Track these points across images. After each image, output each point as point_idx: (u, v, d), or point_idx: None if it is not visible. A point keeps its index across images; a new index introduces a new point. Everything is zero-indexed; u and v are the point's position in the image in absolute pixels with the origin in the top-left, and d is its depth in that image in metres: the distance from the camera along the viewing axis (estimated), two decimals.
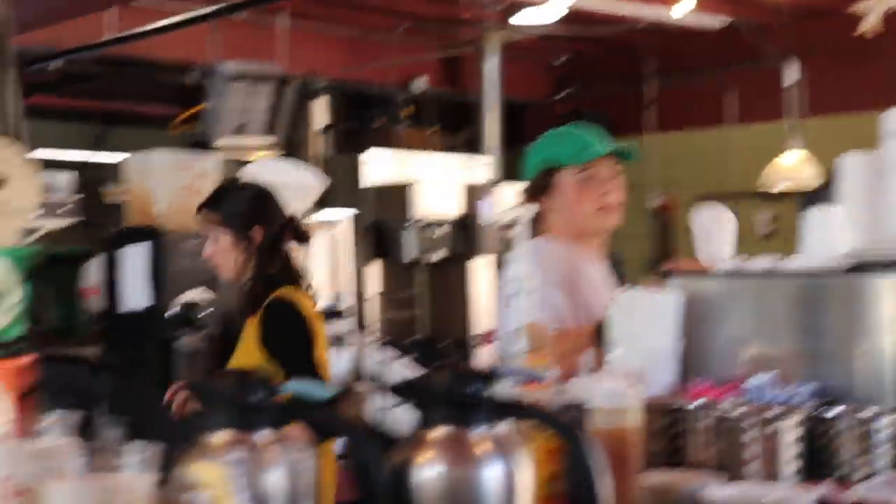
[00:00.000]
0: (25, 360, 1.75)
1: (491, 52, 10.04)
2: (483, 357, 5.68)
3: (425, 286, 5.84)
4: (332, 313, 4.95)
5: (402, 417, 4.39)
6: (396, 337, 5.46)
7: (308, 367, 3.60)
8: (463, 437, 1.79)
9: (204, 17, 7.13)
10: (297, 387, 1.70)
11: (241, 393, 1.67)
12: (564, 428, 1.89)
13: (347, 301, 4.91)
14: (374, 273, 5.73)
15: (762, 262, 2.98)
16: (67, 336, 3.85)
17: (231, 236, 3.82)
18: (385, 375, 5.08)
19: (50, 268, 1.65)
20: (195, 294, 4.59)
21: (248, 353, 3.74)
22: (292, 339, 3.74)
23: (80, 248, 3.79)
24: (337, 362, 4.89)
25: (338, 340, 4.96)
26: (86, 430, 1.71)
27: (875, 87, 9.17)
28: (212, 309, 4.64)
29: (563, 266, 3.42)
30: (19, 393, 1.71)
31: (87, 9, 7.21)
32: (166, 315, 4.46)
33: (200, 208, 3.87)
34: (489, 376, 1.83)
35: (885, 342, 2.64)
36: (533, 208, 2.61)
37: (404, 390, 1.79)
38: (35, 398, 1.76)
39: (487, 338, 5.68)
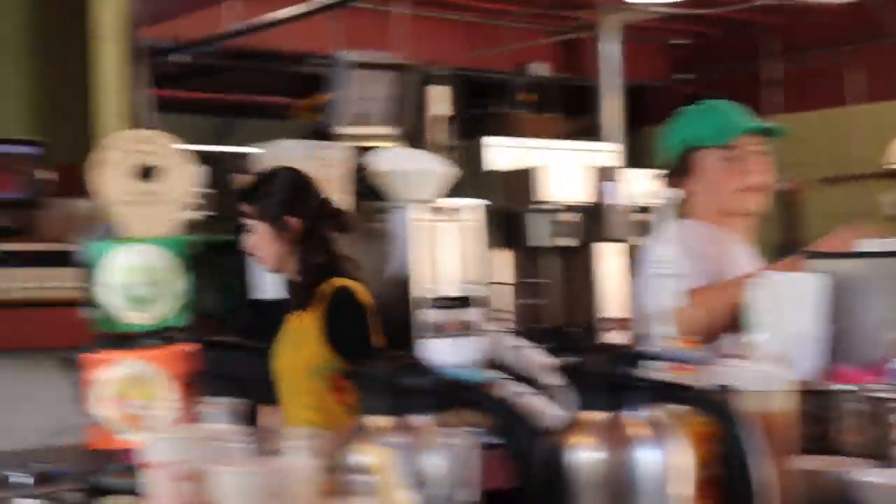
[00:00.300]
0: (188, 347, 1.79)
1: (609, 35, 9.98)
2: (613, 343, 5.66)
3: (554, 273, 5.83)
4: (460, 301, 4.97)
5: (533, 405, 4.39)
6: (525, 324, 5.46)
7: (372, 357, 3.63)
8: (619, 421, 1.80)
9: (324, 7, 7.20)
10: (452, 371, 1.71)
11: (401, 377, 1.69)
12: (722, 411, 1.88)
13: (476, 289, 4.92)
14: (503, 260, 5.73)
15: None
16: (226, 323, 3.91)
17: (268, 228, 3.82)
18: (515, 363, 5.09)
19: (208, 256, 1.68)
20: None
21: (307, 345, 3.73)
22: (359, 331, 3.76)
23: (234, 237, 3.84)
24: (466, 351, 4.91)
25: (466, 328, 4.98)
26: (248, 417, 1.74)
27: None
28: None
29: (710, 248, 3.38)
30: (183, 380, 1.75)
31: (212, 2, 7.32)
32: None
33: (238, 201, 3.87)
34: (643, 358, 1.83)
35: None
36: (675, 192, 2.59)
37: (564, 372, 1.80)
38: (198, 385, 1.80)
39: (618, 324, 5.66)
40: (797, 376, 2.71)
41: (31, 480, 3.99)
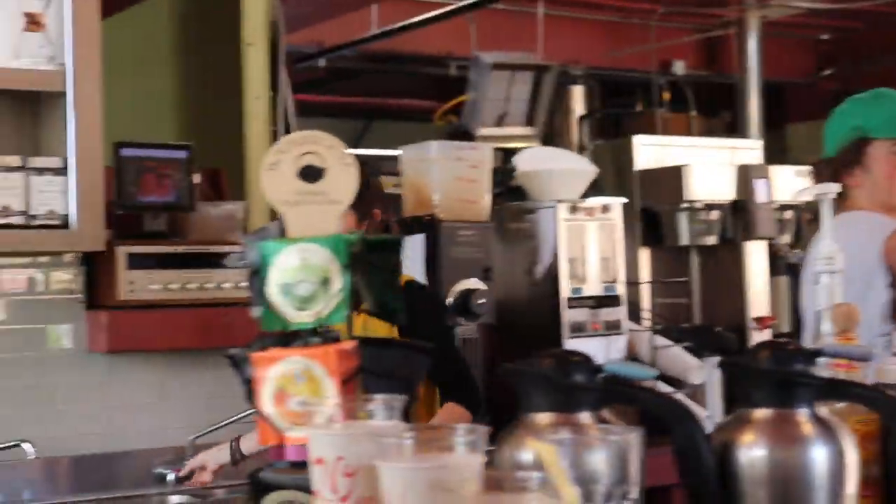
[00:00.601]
0: (347, 344, 1.81)
1: (751, 32, 9.87)
2: (779, 340, 5.58)
3: (697, 272, 5.76)
4: (605, 300, 4.94)
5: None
6: (669, 323, 5.41)
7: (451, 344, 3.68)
8: (789, 418, 1.77)
9: (463, 9, 7.22)
10: (618, 368, 1.70)
11: (565, 373, 1.68)
12: (889, 409, 1.84)
13: (620, 288, 4.89)
14: (646, 259, 5.69)
15: None
16: (385, 321, 3.97)
17: (355, 218, 3.81)
18: (659, 362, 5.05)
19: (367, 254, 1.70)
20: (471, 283, 4.65)
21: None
22: (437, 321, 3.84)
23: (394, 235, 3.89)
24: (611, 350, 4.88)
25: (612, 327, 4.95)
26: (407, 413, 1.75)
27: None
28: (486, 298, 4.70)
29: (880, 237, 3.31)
30: (342, 377, 1.77)
31: (350, 6, 7.39)
32: (445, 304, 4.55)
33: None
34: (812, 354, 1.80)
35: None
36: (831, 185, 2.54)
37: (725, 368, 1.78)
38: (357, 382, 1.81)
39: (764, 323, 5.58)
40: None
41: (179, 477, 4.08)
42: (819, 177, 3.50)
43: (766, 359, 1.79)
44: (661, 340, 5.14)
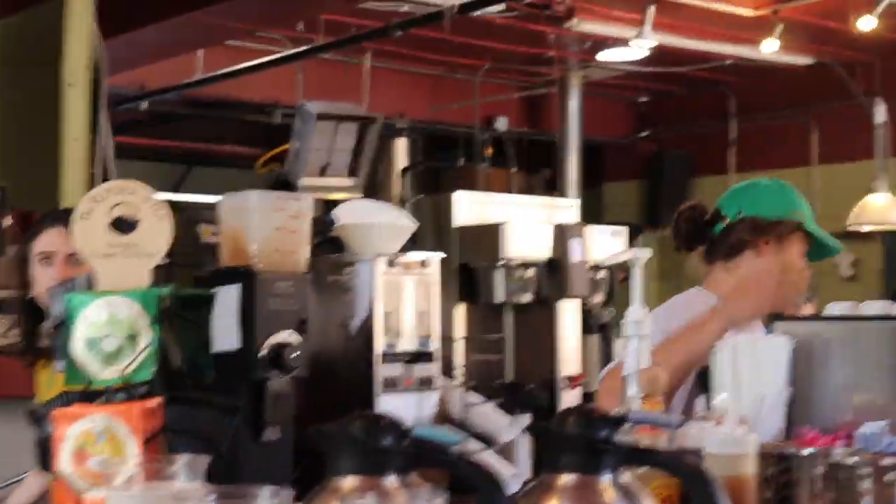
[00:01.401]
0: (151, 403, 1.78)
1: (573, 92, 10.06)
2: (569, 402, 5.65)
3: (511, 329, 5.82)
4: (420, 356, 4.94)
5: (487, 463, 4.37)
6: (481, 381, 5.44)
7: None
8: (591, 484, 1.79)
9: (290, 58, 7.21)
10: (427, 432, 1.71)
11: (372, 436, 1.68)
12: (692, 474, 1.88)
13: (434, 344, 4.90)
14: (462, 315, 5.72)
15: (873, 306, 2.96)
16: (192, 378, 3.90)
17: None
18: (470, 420, 5.06)
19: (177, 309, 1.68)
20: (285, 336, 4.60)
21: None
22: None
23: (205, 290, 3.82)
24: (423, 407, 4.88)
25: (425, 383, 4.95)
26: (213, 474, 1.72)
27: None
28: (300, 352, 4.64)
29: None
30: (145, 436, 1.74)
31: (175, 50, 7.32)
32: (257, 356, 4.48)
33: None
34: (616, 421, 1.83)
35: None
36: (646, 252, 2.61)
37: (532, 433, 1.80)
38: (161, 441, 1.78)
39: (575, 381, 5.65)
40: (761, 439, 2.72)
41: None
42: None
43: (571, 424, 1.82)
44: (474, 397, 5.16)
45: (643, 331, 2.49)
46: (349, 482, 1.68)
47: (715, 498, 1.78)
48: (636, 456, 1.85)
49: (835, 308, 3.02)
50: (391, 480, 1.69)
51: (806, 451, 2.64)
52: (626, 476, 1.85)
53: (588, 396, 5.68)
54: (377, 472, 1.67)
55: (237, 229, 4.80)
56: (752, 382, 2.86)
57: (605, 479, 1.81)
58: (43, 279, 3.60)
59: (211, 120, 9.25)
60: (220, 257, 4.91)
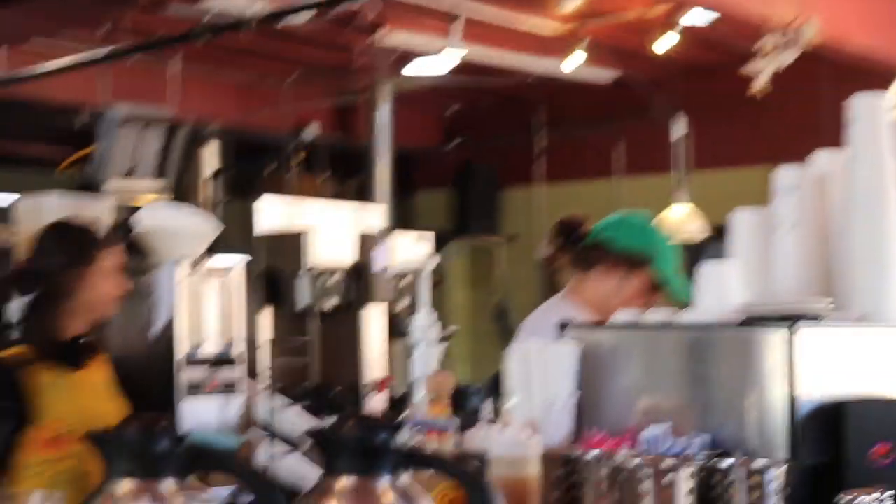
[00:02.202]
0: None
1: (382, 101, 10.09)
2: (375, 405, 5.68)
3: (317, 334, 5.82)
4: (223, 360, 4.92)
5: (292, 465, 4.37)
6: (288, 384, 5.43)
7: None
8: (368, 487, 1.80)
9: (96, 60, 7.07)
10: (203, 436, 1.69)
11: (146, 441, 1.66)
12: (467, 477, 1.90)
13: (239, 347, 4.88)
14: (266, 320, 5.70)
15: (656, 315, 3.03)
16: None
17: None
18: (275, 423, 5.05)
19: None
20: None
21: (105, 394, 3.70)
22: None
23: None
24: (227, 410, 4.85)
25: (228, 388, 4.92)
26: None
27: (760, 143, 9.39)
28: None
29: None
30: None
31: None
32: None
33: None
34: (394, 426, 1.84)
35: (775, 394, 2.69)
36: (435, 259, 2.64)
37: (312, 438, 1.80)
38: None
39: (380, 385, 5.68)
40: (548, 442, 2.77)
41: None
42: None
43: (350, 428, 1.82)
44: (279, 401, 5.15)
45: (430, 336, 2.51)
46: (124, 486, 1.66)
47: (489, 500, 1.80)
48: (414, 459, 1.87)
49: (628, 316, 3.09)
50: (168, 484, 1.67)
51: (591, 454, 2.69)
52: (406, 479, 1.86)
53: (395, 400, 5.70)
54: (152, 476, 1.65)
55: (34, 232, 4.72)
56: (541, 387, 2.91)
57: (384, 482, 1.82)
58: None
59: (15, 121, 9.01)
60: (17, 259, 4.81)
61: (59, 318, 3.64)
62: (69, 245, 3.74)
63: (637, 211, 4.08)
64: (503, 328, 5.28)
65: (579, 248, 3.86)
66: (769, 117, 9.28)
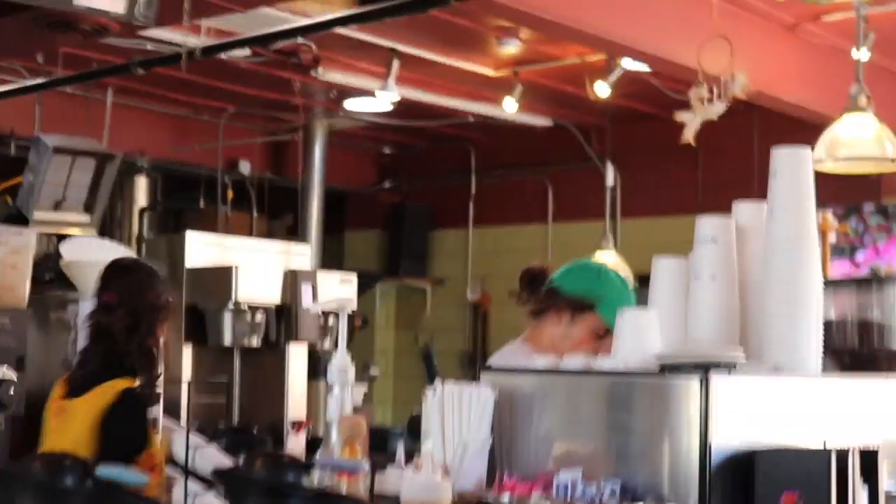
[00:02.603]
0: None
1: (317, 139, 10.12)
2: (294, 445, 5.67)
3: (240, 372, 5.81)
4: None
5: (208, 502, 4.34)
6: (207, 423, 5.41)
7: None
8: None
9: (27, 89, 7.04)
10: (111, 472, 1.69)
11: (54, 477, 1.66)
12: None
13: (160, 385, 4.84)
14: (189, 357, 5.68)
15: (575, 361, 3.06)
16: None
17: None
18: (194, 461, 5.02)
19: None
20: (1, 372, 4.49)
21: (77, 435, 3.69)
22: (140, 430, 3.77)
23: None
24: None
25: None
26: None
27: (691, 192, 9.50)
28: (15, 388, 4.54)
29: None
30: None
31: None
32: None
33: None
34: (303, 466, 1.85)
35: (688, 442, 2.73)
36: (351, 302, 2.65)
37: (220, 477, 1.80)
38: None
39: (298, 426, 5.67)
40: (464, 484, 2.78)
41: None
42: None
43: (258, 469, 1.83)
44: (198, 440, 5.12)
45: (346, 378, 2.52)
46: None
47: None
48: (323, 500, 1.88)
49: (539, 361, 3.12)
50: None
51: (504, 498, 2.71)
52: None
53: (313, 441, 5.70)
54: None
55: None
56: (456, 430, 2.93)
57: None
58: None
59: None
60: None
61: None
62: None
63: (585, 258, 4.17)
64: (429, 370, 5.29)
65: (536, 294, 3.94)
66: (701, 167, 9.39)
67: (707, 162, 9.23)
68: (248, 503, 1.81)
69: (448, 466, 2.66)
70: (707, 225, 3.14)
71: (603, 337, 3.80)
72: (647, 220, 9.83)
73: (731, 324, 3.08)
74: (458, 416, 2.92)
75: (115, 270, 3.99)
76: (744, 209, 3.23)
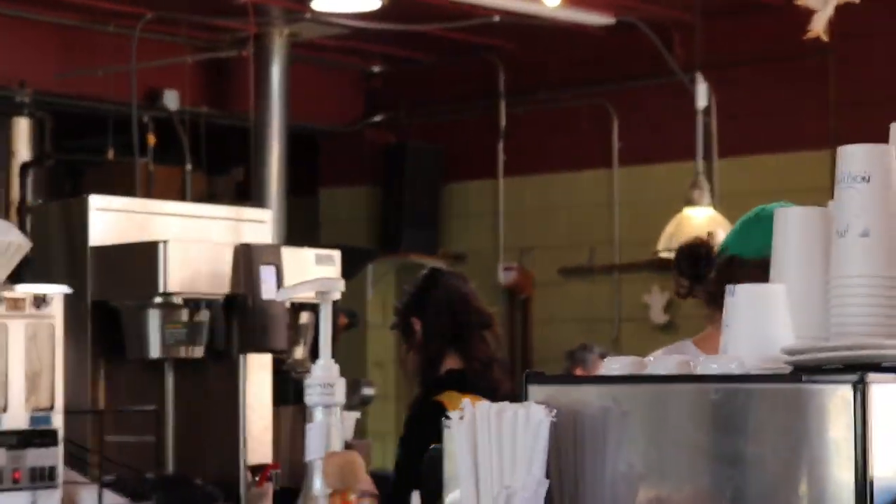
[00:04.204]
0: None
1: (274, 56, 10.08)
2: (258, 502, 5.63)
3: (175, 396, 5.79)
4: (35, 436, 4.90)
5: None
6: (130, 472, 5.39)
7: None
8: None
9: None
10: None
11: None
12: None
13: (58, 419, 4.86)
14: (101, 376, 5.67)
15: (666, 363, 3.01)
16: None
17: None
18: None
19: None
20: None
21: None
22: None
23: None
24: None
25: (42, 477, 4.90)
26: None
27: (811, 115, 9.45)
28: None
29: None
30: None
31: None
32: None
33: None
34: None
35: (838, 477, 2.69)
36: (338, 284, 2.60)
37: None
38: None
39: (263, 474, 5.62)
40: None
41: None
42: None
43: None
44: (114, 498, 5.13)
45: (331, 399, 2.47)
46: None
47: None
48: None
49: (613, 364, 3.06)
50: None
51: None
52: None
53: (284, 494, 5.66)
54: None
55: None
56: (496, 472, 2.89)
57: None
58: None
59: None
60: None
61: None
62: None
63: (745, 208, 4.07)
64: None
65: (704, 280, 3.85)
66: (833, 78, 9.34)
67: (843, 70, 9.17)
68: None
69: None
70: (855, 158, 3.09)
71: None
72: (754, 158, 9.80)
73: (893, 300, 3.04)
74: (496, 451, 2.88)
75: None
76: None
